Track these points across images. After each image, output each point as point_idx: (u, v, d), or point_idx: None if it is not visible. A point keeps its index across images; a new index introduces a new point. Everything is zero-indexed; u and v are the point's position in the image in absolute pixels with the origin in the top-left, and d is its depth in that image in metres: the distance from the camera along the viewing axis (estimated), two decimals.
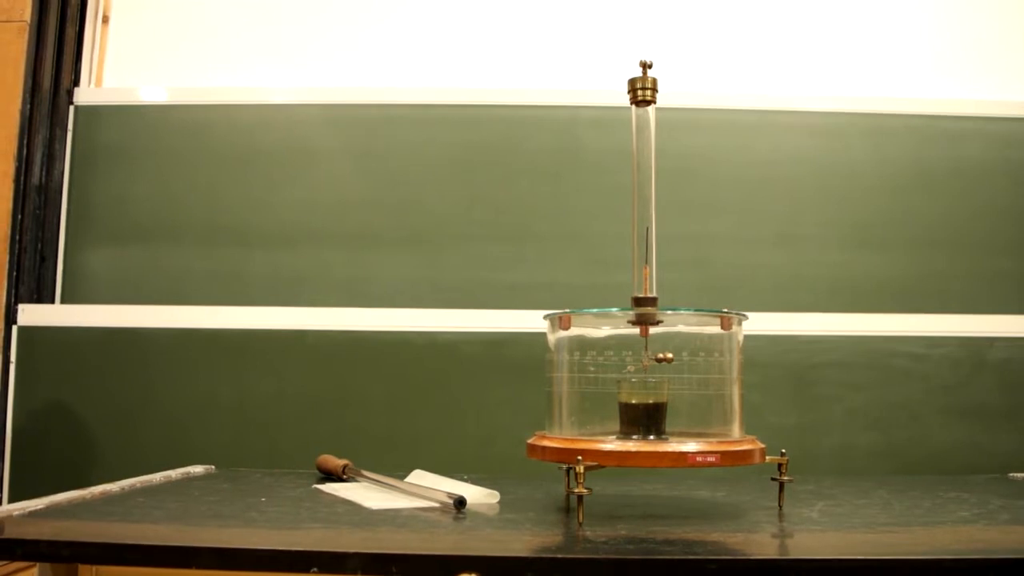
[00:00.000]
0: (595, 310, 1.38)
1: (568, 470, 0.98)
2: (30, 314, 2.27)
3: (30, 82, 2.36)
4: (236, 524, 0.99)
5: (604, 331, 1.26)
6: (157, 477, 1.29)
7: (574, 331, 1.13)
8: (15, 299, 2.28)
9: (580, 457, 0.95)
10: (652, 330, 1.08)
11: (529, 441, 1.09)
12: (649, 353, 1.07)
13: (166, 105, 2.40)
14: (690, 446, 0.98)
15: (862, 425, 2.21)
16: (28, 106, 2.35)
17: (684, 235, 2.28)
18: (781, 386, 2.20)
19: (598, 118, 2.39)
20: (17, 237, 2.30)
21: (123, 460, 2.15)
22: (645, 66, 1.11)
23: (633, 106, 1.12)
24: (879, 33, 2.48)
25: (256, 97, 2.39)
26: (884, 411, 2.21)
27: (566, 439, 1.04)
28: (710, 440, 1.01)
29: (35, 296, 2.31)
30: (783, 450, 1.06)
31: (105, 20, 2.51)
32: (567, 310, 1.13)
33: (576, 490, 0.95)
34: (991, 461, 2.16)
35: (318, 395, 2.22)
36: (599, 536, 0.88)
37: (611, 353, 1.15)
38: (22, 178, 2.33)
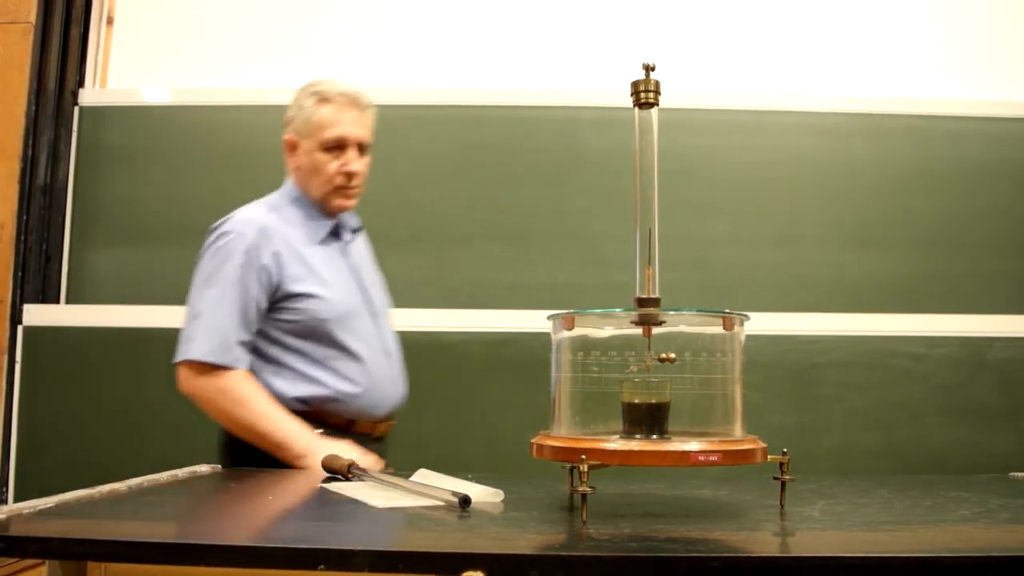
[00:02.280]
0: (599, 310, 1.39)
1: (571, 469, 0.98)
2: (35, 314, 2.29)
3: (35, 83, 2.38)
4: (244, 522, 1.00)
5: (607, 331, 1.27)
6: (164, 476, 1.30)
7: (577, 331, 1.14)
8: (20, 299, 2.30)
9: (584, 456, 0.96)
10: (655, 330, 1.09)
11: (533, 440, 1.09)
12: (652, 353, 1.07)
13: (170, 106, 2.41)
14: (692, 445, 0.98)
15: (863, 425, 2.22)
16: (33, 107, 2.37)
17: (686, 236, 2.30)
18: (782, 386, 2.21)
19: (599, 119, 2.41)
20: (22, 237, 2.32)
21: (129, 459, 2.17)
22: (648, 68, 1.12)
23: (636, 108, 1.13)
24: (880, 34, 2.49)
25: (259, 98, 2.40)
26: (885, 411, 2.23)
27: (570, 438, 1.05)
28: (712, 440, 1.02)
29: (40, 296, 2.32)
30: (784, 449, 1.07)
31: (109, 21, 2.53)
32: (571, 310, 1.14)
33: (580, 489, 0.96)
34: (991, 460, 2.17)
35: None
36: (602, 534, 0.89)
37: (614, 353, 1.16)
38: (27, 179, 2.35)
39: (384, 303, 1.67)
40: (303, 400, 1.52)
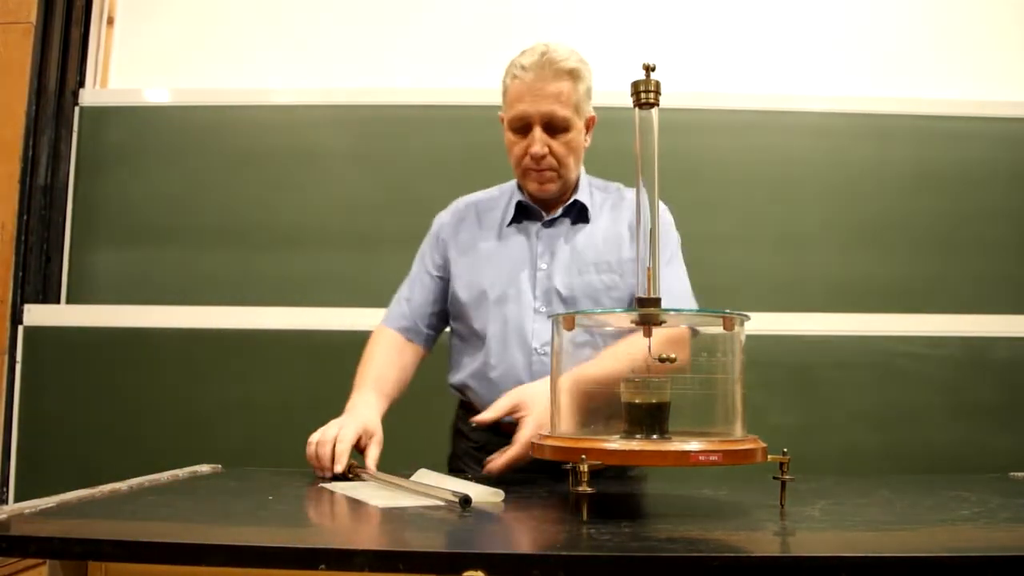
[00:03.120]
0: (599, 310, 1.39)
1: (572, 469, 0.99)
2: (36, 314, 2.29)
3: (35, 83, 2.38)
4: (245, 522, 1.00)
5: (608, 331, 1.27)
6: (165, 476, 1.30)
7: (578, 331, 1.14)
8: (21, 299, 2.30)
9: (584, 456, 0.96)
10: (656, 330, 1.09)
11: (534, 440, 1.09)
12: (652, 353, 1.07)
13: (171, 106, 2.41)
14: (693, 445, 0.98)
15: (863, 425, 2.22)
16: (34, 107, 2.37)
17: (686, 236, 2.29)
18: (783, 386, 2.21)
19: (599, 119, 2.40)
20: (23, 237, 2.32)
21: (129, 459, 2.17)
22: (648, 69, 1.12)
23: (636, 109, 1.13)
24: (880, 34, 2.49)
25: (261, 98, 2.40)
26: (885, 411, 2.22)
27: (570, 438, 1.05)
28: (712, 439, 1.02)
29: (41, 296, 2.32)
30: (784, 449, 1.07)
31: (110, 22, 2.53)
32: (572, 310, 1.14)
33: (580, 489, 0.96)
34: (992, 460, 2.17)
35: (324, 394, 2.21)
36: (603, 534, 0.89)
37: None
38: (27, 179, 2.35)
39: (580, 294, 1.46)
40: (452, 386, 1.55)
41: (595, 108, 2.45)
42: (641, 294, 1.10)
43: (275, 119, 2.39)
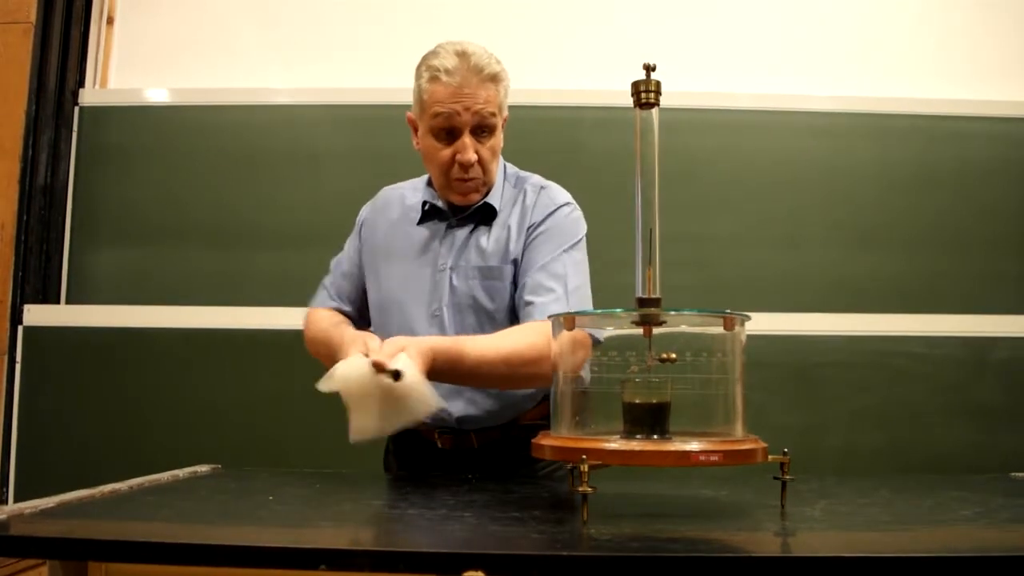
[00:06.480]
0: (599, 311, 1.39)
1: (572, 469, 0.98)
2: (35, 314, 2.29)
3: (35, 83, 2.38)
4: (245, 522, 1.00)
5: (608, 331, 1.27)
6: (165, 476, 1.30)
7: (578, 331, 1.14)
8: (20, 299, 2.30)
9: (584, 456, 0.96)
10: (656, 330, 1.08)
11: (534, 440, 1.09)
12: (653, 353, 1.07)
13: (171, 106, 2.41)
14: (693, 445, 0.98)
15: (864, 425, 2.22)
16: (33, 107, 2.37)
17: (687, 236, 2.29)
18: (784, 386, 2.21)
19: (600, 119, 2.40)
20: (22, 237, 2.32)
21: (128, 460, 2.17)
22: (648, 69, 1.12)
23: (636, 109, 1.13)
24: (882, 34, 2.49)
25: (261, 98, 2.40)
26: (886, 411, 2.22)
27: (570, 438, 1.05)
28: (713, 439, 1.02)
29: (40, 296, 2.32)
30: (785, 449, 1.07)
31: (110, 21, 2.53)
32: (571, 311, 1.14)
33: (580, 489, 0.95)
34: (993, 460, 2.17)
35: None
36: (604, 534, 0.89)
37: (615, 353, 1.16)
38: (27, 179, 2.35)
39: (464, 301, 1.43)
40: None
41: (595, 107, 2.45)
42: (641, 294, 1.10)
43: (275, 119, 2.39)
